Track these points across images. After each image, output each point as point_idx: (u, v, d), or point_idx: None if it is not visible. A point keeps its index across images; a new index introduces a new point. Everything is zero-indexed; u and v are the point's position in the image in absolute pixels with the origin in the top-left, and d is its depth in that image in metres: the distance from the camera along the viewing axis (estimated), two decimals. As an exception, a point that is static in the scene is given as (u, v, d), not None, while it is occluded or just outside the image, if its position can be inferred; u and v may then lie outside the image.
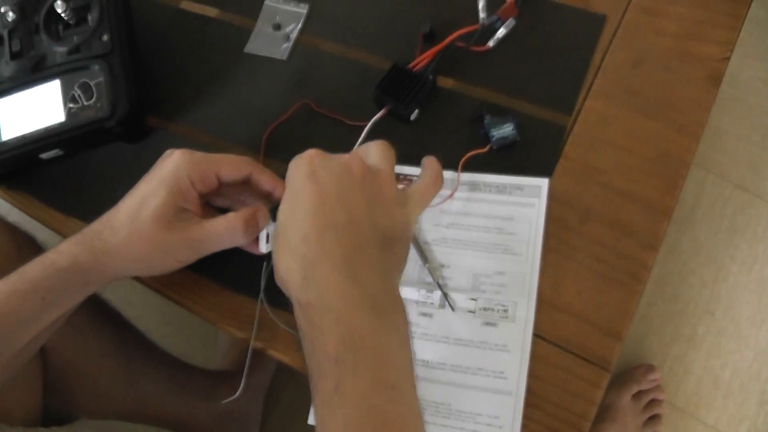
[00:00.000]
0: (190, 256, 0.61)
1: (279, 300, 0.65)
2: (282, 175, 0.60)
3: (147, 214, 0.58)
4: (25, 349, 0.61)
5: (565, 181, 0.67)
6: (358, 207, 0.50)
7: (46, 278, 0.57)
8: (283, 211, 0.51)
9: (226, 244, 0.61)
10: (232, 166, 0.61)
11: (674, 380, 1.19)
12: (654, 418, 1.13)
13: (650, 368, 1.16)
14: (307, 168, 0.51)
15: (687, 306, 1.23)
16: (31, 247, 0.79)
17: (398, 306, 0.49)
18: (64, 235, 0.72)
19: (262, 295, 0.65)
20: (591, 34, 0.73)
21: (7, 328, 0.57)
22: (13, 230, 0.77)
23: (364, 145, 0.55)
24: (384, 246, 0.50)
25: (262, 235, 0.62)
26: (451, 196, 0.67)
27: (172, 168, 0.59)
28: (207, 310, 0.67)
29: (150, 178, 0.59)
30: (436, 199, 0.60)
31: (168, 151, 0.61)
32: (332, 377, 0.43)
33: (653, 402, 1.14)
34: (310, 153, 0.52)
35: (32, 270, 0.57)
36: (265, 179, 0.62)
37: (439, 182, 0.56)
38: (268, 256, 0.64)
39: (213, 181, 0.61)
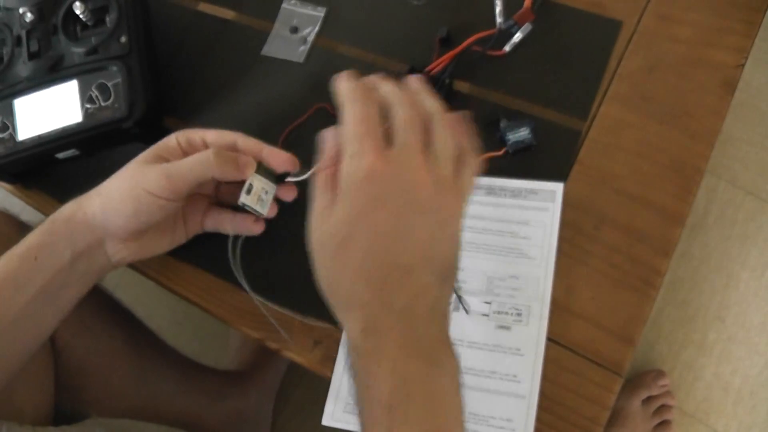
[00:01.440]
0: (163, 187, 0.59)
1: (284, 297, 0.65)
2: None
3: (131, 163, 0.61)
4: (32, 340, 0.62)
5: (579, 186, 0.67)
6: (423, 244, 0.46)
7: (36, 235, 0.60)
8: (339, 232, 0.46)
9: (197, 173, 0.59)
10: (216, 132, 0.63)
11: (684, 386, 1.18)
12: (663, 424, 1.13)
13: (660, 374, 1.16)
14: (373, 191, 0.45)
15: (697, 312, 1.23)
16: None
17: (451, 349, 0.47)
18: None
19: (251, 293, 0.66)
20: (607, 40, 0.73)
21: (6, 291, 0.59)
22: (26, 230, 0.78)
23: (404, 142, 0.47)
24: (443, 282, 0.47)
25: (246, 187, 0.61)
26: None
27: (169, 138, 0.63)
28: (223, 310, 0.68)
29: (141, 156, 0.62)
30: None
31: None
32: (384, 425, 0.44)
33: (663, 408, 1.14)
34: (375, 166, 0.45)
35: (30, 236, 0.60)
36: (251, 143, 0.63)
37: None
38: (234, 239, 0.65)
39: (199, 144, 0.63)
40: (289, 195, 0.64)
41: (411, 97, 0.49)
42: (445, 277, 0.47)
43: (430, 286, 0.46)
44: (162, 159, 0.61)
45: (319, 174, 0.49)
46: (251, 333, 0.67)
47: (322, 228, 0.47)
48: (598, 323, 0.62)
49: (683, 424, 1.16)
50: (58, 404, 0.74)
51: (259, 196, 0.62)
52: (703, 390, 1.17)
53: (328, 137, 0.50)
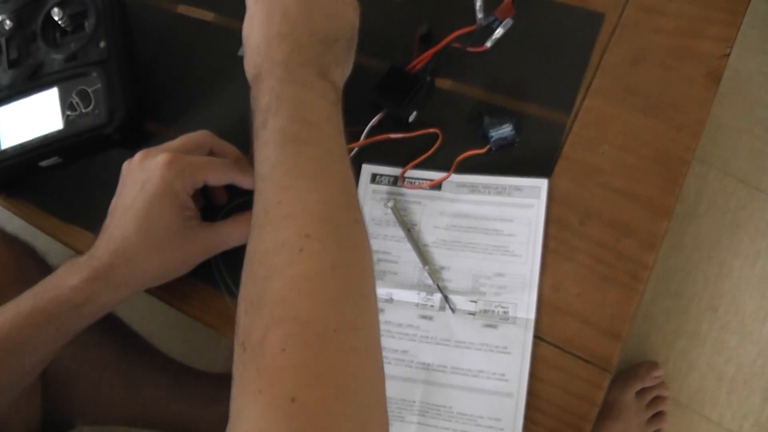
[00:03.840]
0: (202, 259, 0.64)
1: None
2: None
3: (160, 235, 0.60)
4: (33, 372, 0.62)
5: (564, 181, 0.67)
6: (299, 15, 0.58)
7: (62, 313, 0.58)
8: (245, 26, 0.60)
9: (237, 243, 0.64)
10: (217, 173, 0.64)
11: (678, 377, 1.18)
12: (658, 415, 1.13)
13: (653, 365, 1.16)
14: None
15: (690, 302, 1.22)
16: (31, 258, 0.79)
17: (330, 87, 0.58)
18: (65, 243, 0.72)
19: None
20: (589, 33, 0.72)
21: (21, 356, 0.59)
22: (11, 241, 0.77)
23: None
24: (323, 45, 0.58)
25: None
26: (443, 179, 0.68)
27: (166, 183, 0.60)
28: (209, 315, 0.68)
29: (145, 196, 0.60)
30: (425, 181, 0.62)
31: (141, 158, 0.62)
32: (261, 119, 0.54)
33: (657, 399, 1.14)
34: None
35: (48, 305, 0.58)
36: (248, 183, 0.66)
37: None
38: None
39: (201, 185, 0.63)
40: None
41: None
42: (322, 45, 0.58)
43: (306, 45, 0.57)
44: (187, 218, 0.62)
45: None
46: (238, 338, 0.66)
47: None
48: (586, 319, 0.62)
49: (677, 415, 1.16)
50: (45, 414, 0.74)
51: None
52: (697, 380, 1.17)
53: None
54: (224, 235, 0.64)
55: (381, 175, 0.70)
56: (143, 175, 0.60)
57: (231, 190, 0.68)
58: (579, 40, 0.72)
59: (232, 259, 0.65)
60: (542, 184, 0.66)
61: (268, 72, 0.56)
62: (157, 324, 1.20)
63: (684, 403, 1.16)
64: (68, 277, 0.58)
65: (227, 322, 0.67)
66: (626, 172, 0.67)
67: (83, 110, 0.69)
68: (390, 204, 0.68)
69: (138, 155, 0.62)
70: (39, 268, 0.79)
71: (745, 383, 1.16)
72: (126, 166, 0.63)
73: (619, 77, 0.70)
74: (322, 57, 0.58)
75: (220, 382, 1.09)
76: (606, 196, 0.66)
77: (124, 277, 0.59)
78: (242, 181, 0.65)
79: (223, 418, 1.07)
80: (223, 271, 0.67)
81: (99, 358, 0.85)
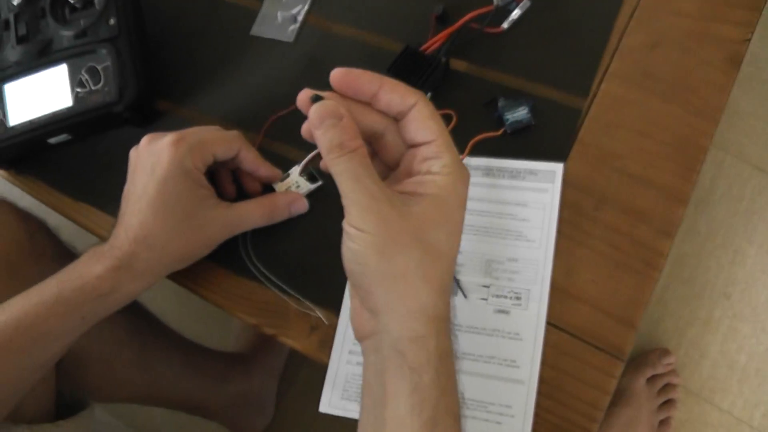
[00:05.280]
0: (224, 239, 0.64)
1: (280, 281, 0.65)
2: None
3: (177, 218, 0.59)
4: (53, 359, 0.63)
5: (580, 165, 0.66)
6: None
7: (87, 303, 0.58)
8: (432, 221, 0.43)
9: (258, 224, 0.65)
10: (225, 144, 0.63)
11: (689, 364, 1.18)
12: (668, 403, 1.12)
13: (665, 352, 1.15)
14: (465, 193, 0.45)
15: (703, 289, 1.21)
16: (44, 234, 0.78)
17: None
18: (77, 222, 0.72)
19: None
20: (607, 15, 0.71)
21: (44, 345, 0.59)
22: (25, 217, 0.77)
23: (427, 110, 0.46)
24: None
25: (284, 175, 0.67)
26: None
27: (176, 162, 0.59)
28: (218, 296, 0.67)
29: (156, 180, 0.59)
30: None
31: (147, 142, 0.61)
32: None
33: (668, 386, 1.13)
34: (468, 172, 0.46)
35: (72, 295, 0.58)
36: (249, 160, 0.65)
37: None
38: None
39: (211, 160, 0.62)
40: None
41: None
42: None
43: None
44: (203, 197, 0.61)
45: (357, 154, 0.43)
46: (247, 318, 0.66)
47: (395, 209, 0.43)
48: (599, 306, 0.61)
49: (688, 403, 1.15)
50: (59, 390, 0.74)
51: (288, 188, 0.67)
52: (708, 368, 1.16)
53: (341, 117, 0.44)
54: (245, 213, 0.63)
55: (393, 157, 0.69)
56: (151, 160, 0.60)
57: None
58: (597, 23, 0.71)
59: (261, 242, 0.67)
60: (557, 168, 0.65)
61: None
62: (169, 302, 1.20)
63: (695, 390, 1.15)
64: (92, 266, 0.58)
65: (237, 302, 0.66)
66: (643, 158, 0.65)
67: (93, 87, 0.68)
68: (402, 186, 0.67)
69: (144, 139, 0.62)
70: (53, 244, 0.79)
71: (757, 372, 1.15)
72: (133, 152, 0.62)
73: (637, 61, 0.69)
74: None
75: (231, 361, 1.10)
76: (622, 181, 0.65)
77: (148, 264, 0.59)
78: (247, 157, 0.64)
79: (233, 397, 1.08)
80: (251, 253, 0.67)
81: (112, 336, 0.85)
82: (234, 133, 0.65)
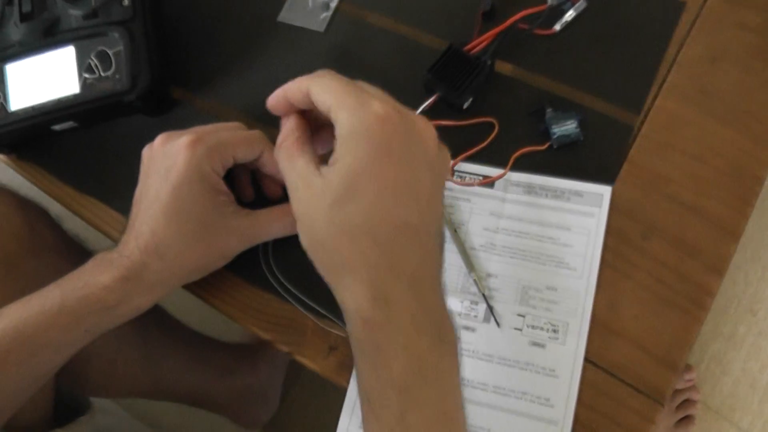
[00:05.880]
0: (242, 249, 0.59)
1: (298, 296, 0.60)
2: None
3: (192, 227, 0.54)
4: (53, 371, 0.59)
5: (628, 189, 0.61)
6: (426, 201, 0.43)
7: (92, 315, 0.53)
8: (340, 184, 0.41)
9: (280, 235, 0.59)
10: (246, 146, 0.57)
11: (710, 380, 1.15)
12: (686, 419, 1.10)
13: (687, 367, 1.12)
14: (383, 137, 0.41)
15: (729, 304, 1.18)
16: (45, 224, 0.73)
17: (452, 324, 0.45)
18: (79, 215, 0.66)
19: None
20: (667, 23, 0.65)
21: (44, 357, 0.55)
22: (25, 206, 0.71)
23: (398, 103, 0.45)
24: (440, 249, 0.45)
25: None
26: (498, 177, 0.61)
27: (193, 166, 0.54)
28: (231, 307, 0.62)
29: (171, 185, 0.53)
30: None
31: (162, 142, 0.56)
32: (397, 407, 0.42)
33: (687, 402, 1.10)
34: (387, 112, 0.42)
35: (77, 305, 0.53)
36: (272, 163, 0.58)
37: None
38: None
39: (231, 163, 0.57)
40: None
41: None
42: (440, 249, 0.45)
43: (433, 251, 0.44)
44: (220, 203, 0.56)
45: (283, 149, 0.47)
46: (261, 333, 0.61)
47: (311, 189, 0.43)
48: (641, 345, 0.57)
49: (707, 420, 1.13)
50: (57, 390, 0.70)
51: None
52: (729, 385, 1.14)
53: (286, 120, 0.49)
54: (268, 223, 0.58)
55: (427, 167, 0.64)
56: (166, 162, 0.54)
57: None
58: (655, 31, 0.65)
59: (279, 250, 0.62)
60: (605, 191, 0.61)
61: (396, 300, 0.42)
62: (175, 294, 1.17)
63: (714, 407, 1.13)
64: (99, 275, 0.53)
65: (251, 314, 0.62)
66: (695, 185, 0.61)
67: (102, 74, 0.62)
68: (436, 200, 0.62)
69: (159, 139, 0.56)
70: (54, 235, 0.74)
71: None
72: (146, 152, 0.57)
73: (695, 76, 0.64)
74: (440, 269, 0.47)
75: (238, 353, 1.06)
76: (672, 209, 0.60)
77: (159, 276, 0.54)
78: (270, 160, 0.59)
79: (239, 389, 1.05)
80: (272, 263, 0.62)
81: (115, 332, 0.81)
82: (256, 133, 0.59)
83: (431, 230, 0.44)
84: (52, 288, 0.54)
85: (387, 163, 0.41)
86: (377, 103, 0.42)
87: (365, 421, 0.44)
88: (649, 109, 0.63)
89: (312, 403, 1.19)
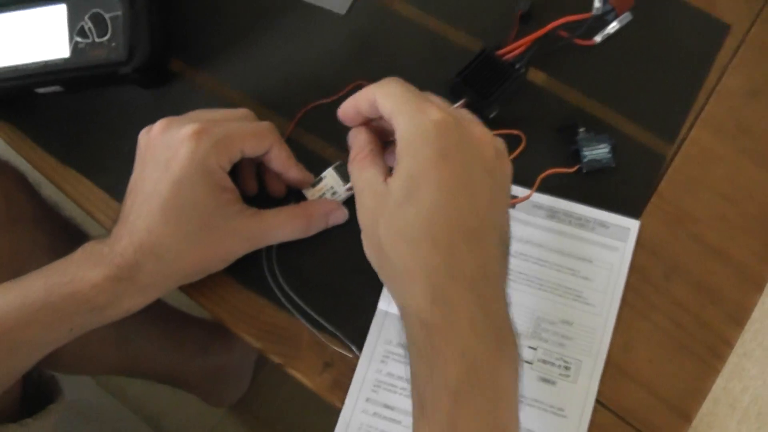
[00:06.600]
0: (244, 253, 0.54)
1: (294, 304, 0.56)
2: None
3: (193, 226, 0.49)
4: (29, 367, 0.54)
5: (654, 223, 0.58)
6: (486, 207, 0.44)
7: (78, 314, 0.48)
8: (400, 188, 0.43)
9: (287, 239, 0.55)
10: (255, 140, 0.52)
11: (689, 396, 1.14)
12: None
13: None
14: (441, 142, 0.42)
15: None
16: (22, 192, 0.66)
17: (514, 332, 0.44)
18: (60, 188, 0.60)
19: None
20: (710, 46, 0.62)
21: (21, 355, 0.51)
22: (2, 171, 0.65)
23: (459, 111, 0.47)
24: (504, 257, 0.45)
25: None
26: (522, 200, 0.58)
27: (197, 160, 0.48)
28: (221, 309, 0.57)
29: (171, 179, 0.48)
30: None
31: (162, 129, 0.50)
32: (449, 413, 0.41)
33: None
34: (444, 117, 0.43)
35: (62, 303, 0.48)
36: (280, 159, 0.54)
37: None
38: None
39: (238, 157, 0.52)
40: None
41: None
42: (503, 256, 0.45)
43: (496, 256, 0.44)
44: (225, 202, 0.51)
45: (356, 161, 0.48)
46: (251, 341, 0.57)
47: (375, 197, 0.44)
48: (654, 390, 0.55)
49: (683, 436, 1.13)
50: (26, 376, 0.64)
51: (322, 194, 0.57)
52: (709, 403, 1.13)
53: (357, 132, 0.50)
54: (275, 226, 0.53)
55: (446, 178, 0.59)
56: (167, 153, 0.49)
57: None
58: (697, 54, 0.62)
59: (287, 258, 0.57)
60: (633, 225, 0.57)
61: (456, 302, 0.43)
62: None
63: (692, 425, 1.13)
64: (87, 271, 0.48)
65: (242, 320, 0.57)
66: (723, 227, 0.58)
67: (96, 39, 0.55)
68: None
69: (159, 125, 0.50)
70: (32, 205, 0.67)
71: (758, 416, 1.13)
72: (144, 138, 0.51)
73: (734, 109, 0.60)
74: (505, 276, 0.47)
75: (212, 331, 1.01)
76: (697, 250, 0.57)
77: (153, 278, 0.49)
78: (279, 156, 0.54)
79: (212, 369, 1.01)
80: (275, 268, 0.57)
81: None
82: (267, 126, 0.54)
83: (492, 235, 0.44)
84: (35, 279, 0.49)
85: (443, 166, 0.42)
86: (435, 109, 0.43)
87: (416, 422, 0.43)
88: (683, 140, 0.60)
89: (282, 387, 1.16)
